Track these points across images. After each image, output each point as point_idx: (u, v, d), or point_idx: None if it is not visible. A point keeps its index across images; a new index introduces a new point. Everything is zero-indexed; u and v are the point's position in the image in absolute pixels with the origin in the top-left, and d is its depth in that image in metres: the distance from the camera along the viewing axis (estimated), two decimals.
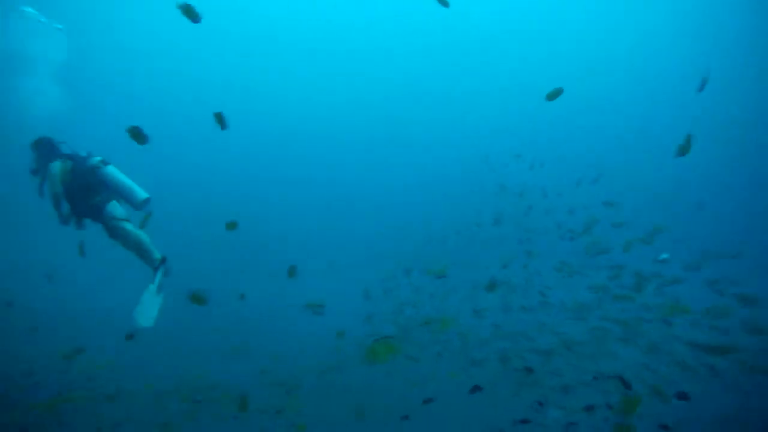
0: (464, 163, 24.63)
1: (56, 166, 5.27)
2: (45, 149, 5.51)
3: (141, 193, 5.38)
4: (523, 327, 8.20)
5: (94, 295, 10.74)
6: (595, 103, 27.03)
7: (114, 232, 5.31)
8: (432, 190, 25.01)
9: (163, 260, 5.18)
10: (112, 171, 5.41)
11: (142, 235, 5.29)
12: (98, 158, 5.45)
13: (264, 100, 29.42)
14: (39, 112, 19.33)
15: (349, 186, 27.52)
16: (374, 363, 2.61)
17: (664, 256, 8.90)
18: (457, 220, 17.77)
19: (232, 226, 5.39)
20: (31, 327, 8.59)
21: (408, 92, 29.24)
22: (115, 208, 5.39)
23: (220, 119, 5.08)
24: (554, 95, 5.17)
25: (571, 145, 24.59)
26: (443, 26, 27.25)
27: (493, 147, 24.15)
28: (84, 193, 5.30)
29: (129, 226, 5.33)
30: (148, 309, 4.78)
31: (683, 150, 4.76)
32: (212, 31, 26.70)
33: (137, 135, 3.83)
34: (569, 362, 6.69)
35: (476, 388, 5.17)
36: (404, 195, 26.00)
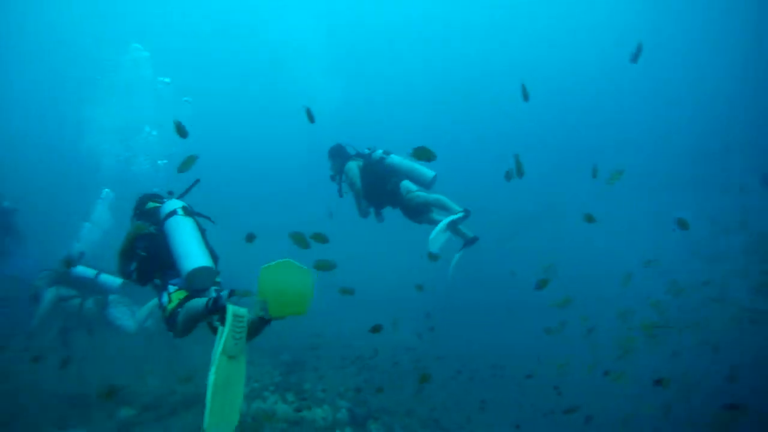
0: None
1: (352, 167, 5.96)
2: (338, 154, 6.28)
3: (428, 172, 5.75)
4: None
5: None
6: None
7: (412, 202, 5.64)
8: None
9: (467, 212, 5.26)
10: (397, 159, 5.92)
11: (441, 196, 5.55)
12: (380, 151, 6.01)
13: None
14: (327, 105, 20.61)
15: None
16: None
17: None
18: None
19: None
20: None
21: None
22: (408, 183, 5.79)
23: None
24: None
25: None
26: None
27: None
28: (379, 184, 5.85)
29: (424, 192, 5.69)
30: (438, 239, 5.02)
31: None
32: None
33: (180, 130, 3.78)
34: None
35: None
36: None
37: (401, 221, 6.04)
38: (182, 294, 3.24)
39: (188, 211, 3.60)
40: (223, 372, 2.66)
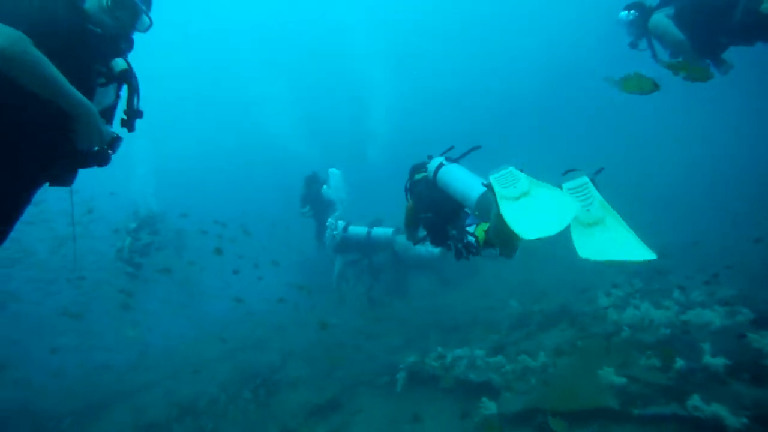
0: None
1: (659, 19, 4.57)
2: (635, 14, 4.91)
3: None
4: None
5: None
6: None
7: None
8: None
9: None
10: None
11: None
12: None
13: None
14: None
15: None
16: None
17: None
18: None
19: None
20: None
21: None
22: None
23: None
24: None
25: None
26: None
27: None
28: (714, 18, 4.25)
29: None
30: None
31: None
32: None
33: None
34: None
35: None
36: None
37: None
38: (484, 225, 3.20)
39: (451, 160, 3.69)
40: None
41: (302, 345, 7.79)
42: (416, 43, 29.70)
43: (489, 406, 4.72)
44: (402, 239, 7.42)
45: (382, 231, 7.70)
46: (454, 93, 29.71)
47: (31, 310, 10.34)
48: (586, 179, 2.52)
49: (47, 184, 2.19)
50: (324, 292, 8.75)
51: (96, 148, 2.19)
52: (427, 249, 7.52)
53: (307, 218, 10.00)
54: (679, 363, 4.15)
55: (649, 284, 6.79)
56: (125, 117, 2.47)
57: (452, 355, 5.85)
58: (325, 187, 9.67)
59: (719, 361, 4.00)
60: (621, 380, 4.25)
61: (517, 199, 2.43)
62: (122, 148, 2.38)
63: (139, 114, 2.49)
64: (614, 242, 2.25)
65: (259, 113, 28.79)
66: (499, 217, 2.85)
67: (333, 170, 10.05)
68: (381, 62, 27.88)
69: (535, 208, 2.38)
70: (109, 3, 2.26)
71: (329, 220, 8.31)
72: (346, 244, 7.87)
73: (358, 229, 7.80)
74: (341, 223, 8.02)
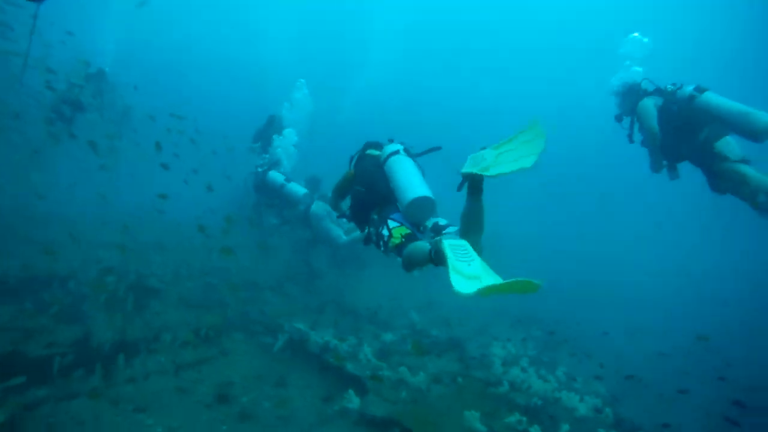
0: None
1: (647, 105, 4.81)
2: (630, 91, 5.12)
3: (762, 117, 3.94)
4: None
5: None
6: None
7: (727, 174, 4.26)
8: None
9: None
10: (714, 99, 4.32)
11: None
12: (690, 87, 4.52)
13: None
14: None
15: None
16: None
17: None
18: None
19: None
20: None
21: None
22: (728, 143, 4.32)
23: None
24: None
25: None
26: None
27: None
28: (684, 132, 4.54)
29: (748, 170, 4.15)
30: None
31: None
32: None
33: None
34: None
35: None
36: None
37: None
38: (403, 230, 3.21)
39: (409, 153, 3.67)
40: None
41: (200, 266, 7.48)
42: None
43: (354, 401, 4.73)
44: (320, 207, 7.38)
45: (296, 188, 7.48)
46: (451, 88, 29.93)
47: None
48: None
49: None
50: (247, 227, 8.41)
51: None
52: (338, 232, 7.41)
53: (254, 154, 9.48)
54: None
55: (542, 353, 7.10)
56: None
57: (339, 339, 5.84)
58: (286, 104, 9.20)
59: None
60: (482, 428, 4.38)
61: (467, 278, 2.39)
62: None
63: None
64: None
65: (255, 25, 27.67)
66: (416, 250, 2.93)
67: (303, 82, 9.53)
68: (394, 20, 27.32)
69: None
70: None
71: (273, 135, 8.07)
72: (264, 186, 7.72)
73: (276, 176, 7.62)
74: (288, 135, 7.89)
